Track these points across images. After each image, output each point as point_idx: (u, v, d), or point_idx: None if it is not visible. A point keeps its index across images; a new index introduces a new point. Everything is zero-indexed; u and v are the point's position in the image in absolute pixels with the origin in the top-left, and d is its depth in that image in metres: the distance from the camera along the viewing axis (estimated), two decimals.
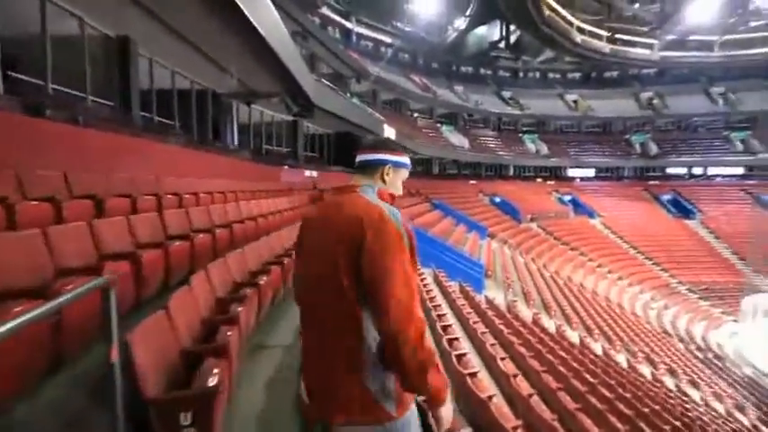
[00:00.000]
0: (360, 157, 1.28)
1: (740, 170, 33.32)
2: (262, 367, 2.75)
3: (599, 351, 9.65)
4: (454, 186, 28.97)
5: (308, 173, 14.53)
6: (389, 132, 20.26)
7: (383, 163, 1.27)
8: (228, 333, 2.11)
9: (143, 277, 2.49)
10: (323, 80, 15.43)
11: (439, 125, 33.62)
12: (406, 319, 1.00)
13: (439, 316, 5.75)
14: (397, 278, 1.02)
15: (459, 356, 4.49)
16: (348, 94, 21.42)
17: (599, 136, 36.94)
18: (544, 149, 35.55)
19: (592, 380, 6.15)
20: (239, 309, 2.55)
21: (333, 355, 1.09)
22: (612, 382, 6.62)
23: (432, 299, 6.68)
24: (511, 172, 35.56)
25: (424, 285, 7.73)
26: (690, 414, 7.22)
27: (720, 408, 9.61)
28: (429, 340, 1.05)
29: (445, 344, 4.61)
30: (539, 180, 34.49)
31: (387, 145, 1.34)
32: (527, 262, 17.76)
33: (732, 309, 19.86)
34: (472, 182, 31.78)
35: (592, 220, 28.61)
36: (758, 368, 14.28)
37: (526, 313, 10.71)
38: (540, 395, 5.00)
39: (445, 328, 5.43)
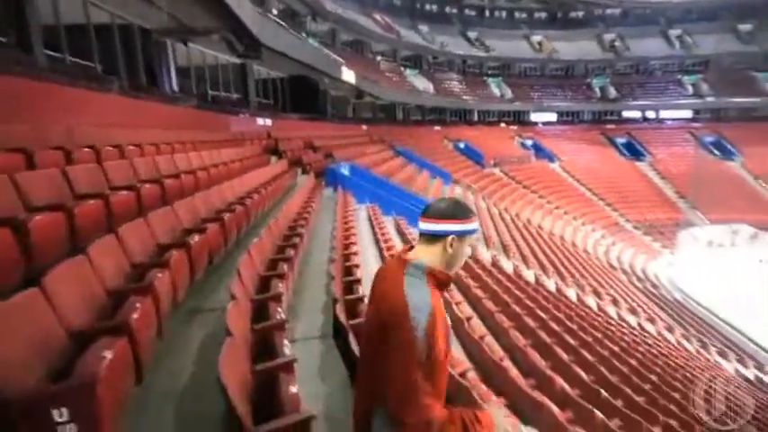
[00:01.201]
0: (423, 226, 1.19)
1: (688, 113, 34.80)
2: (193, 335, 2.54)
3: (552, 288, 10.26)
4: (419, 133, 28.49)
5: (261, 121, 13.58)
6: (349, 75, 19.13)
7: (449, 234, 1.17)
8: (137, 305, 1.85)
9: (33, 246, 2.12)
10: (270, 16, 13.93)
11: (403, 69, 32.19)
12: (399, 401, 1.03)
13: None
14: (398, 372, 1.03)
15: None
16: (304, 34, 19.68)
17: (562, 80, 36.90)
18: (508, 93, 35.26)
19: (543, 316, 6.50)
20: (158, 275, 2.27)
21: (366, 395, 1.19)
22: (561, 316, 7.06)
23: (390, 248, 6.63)
24: (475, 117, 35.28)
25: (383, 234, 7.67)
26: (626, 338, 7.94)
27: (653, 329, 10.70)
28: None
29: None
30: (502, 125, 34.54)
31: (456, 214, 1.19)
32: (489, 206, 18.18)
33: (670, 242, 21.69)
34: (437, 128, 31.34)
35: (552, 164, 29.41)
36: (687, 293, 15.94)
37: (487, 256, 11.08)
38: (493, 335, 5.23)
39: None
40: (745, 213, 23.75)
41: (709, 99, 33.44)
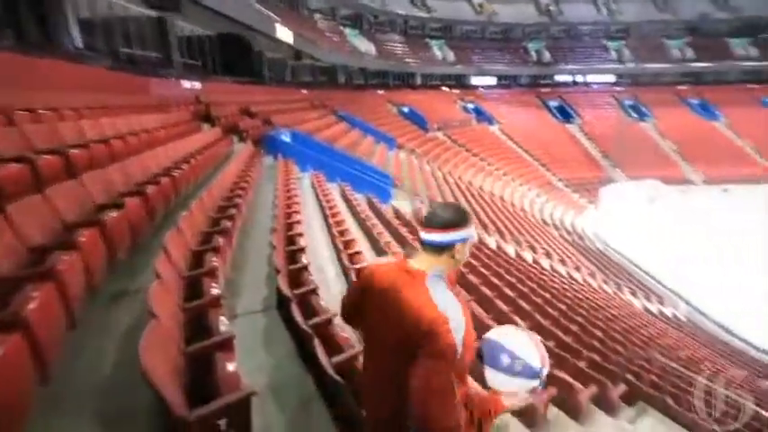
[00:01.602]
0: (430, 237, 1.21)
1: (612, 78, 37.37)
2: (116, 321, 2.31)
3: (493, 245, 10.87)
4: (362, 97, 27.79)
5: (188, 84, 12.34)
6: (284, 34, 17.83)
7: (456, 243, 1.21)
8: (34, 294, 1.60)
9: None
10: None
11: (342, 28, 30.69)
12: (424, 413, 1.09)
13: (341, 232, 5.66)
14: (433, 370, 1.09)
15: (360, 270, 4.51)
16: None
17: (500, 43, 37.53)
18: (451, 57, 35.27)
19: (485, 271, 6.88)
20: (62, 258, 1.99)
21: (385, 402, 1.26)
22: (501, 271, 7.54)
23: (335, 214, 6.52)
24: (419, 81, 35.08)
25: (328, 201, 7.52)
26: (556, 286, 8.74)
27: (579, 277, 11.88)
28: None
29: (345, 259, 4.56)
30: (445, 89, 34.75)
31: (459, 222, 1.21)
32: (433, 170, 18.53)
33: (594, 198, 23.84)
34: (380, 92, 30.78)
35: (491, 126, 30.41)
36: (608, 244, 17.82)
37: None
38: None
39: (348, 243, 5.38)
40: (655, 170, 26.64)
41: (630, 65, 36.08)
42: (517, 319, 5.11)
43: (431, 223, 1.21)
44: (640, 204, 22.87)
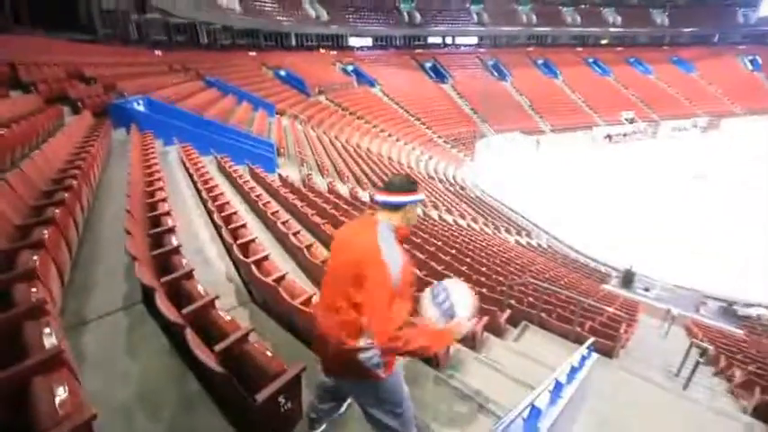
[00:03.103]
0: (381, 198, 1.55)
1: (475, 40, 40.44)
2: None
3: None
4: (231, 59, 24.93)
5: None
6: None
7: (406, 204, 1.54)
8: None
9: None
10: None
11: None
12: (379, 326, 1.43)
13: (219, 207, 5.00)
14: (375, 297, 1.43)
15: (246, 244, 4.04)
16: None
17: (374, 2, 37.07)
18: (324, 15, 33.64)
19: None
20: None
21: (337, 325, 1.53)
22: None
23: (211, 189, 5.74)
24: (293, 42, 32.87)
25: (202, 176, 6.60)
26: (446, 234, 9.41)
27: (464, 223, 13.07)
28: (402, 333, 1.46)
29: (227, 236, 4.03)
30: (322, 50, 33.33)
31: (409, 188, 1.55)
32: (319, 135, 17.92)
33: (470, 151, 26.22)
34: (252, 53, 28.02)
35: (373, 88, 30.51)
36: (484, 190, 19.96)
37: (322, 184, 11.04)
38: None
39: (228, 217, 4.78)
40: (516, 123, 30.36)
41: (490, 27, 39.41)
42: (413, 269, 5.29)
43: (388, 188, 1.56)
44: (507, 153, 26.00)
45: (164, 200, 4.53)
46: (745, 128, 31.98)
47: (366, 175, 14.11)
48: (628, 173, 22.54)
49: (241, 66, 24.62)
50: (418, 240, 7.13)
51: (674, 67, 40.84)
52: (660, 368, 5.26)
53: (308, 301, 3.15)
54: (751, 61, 41.92)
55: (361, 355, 1.48)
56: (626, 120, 32.66)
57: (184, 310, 2.41)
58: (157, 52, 20.15)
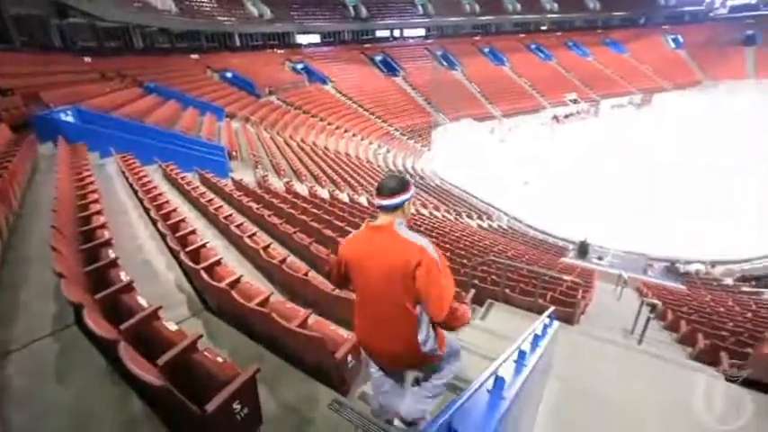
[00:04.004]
0: (386, 202, 1.61)
1: (422, 31, 40.83)
2: None
3: (346, 199, 10.98)
4: (171, 63, 23.62)
5: None
6: None
7: (404, 202, 1.63)
8: None
9: None
10: None
11: None
12: (445, 310, 1.54)
13: (165, 215, 4.68)
14: (441, 287, 1.55)
15: (196, 250, 3.80)
16: None
17: None
18: (267, 13, 32.59)
19: (340, 224, 6.82)
20: None
21: (394, 335, 1.68)
22: (357, 220, 7.62)
23: (155, 198, 5.36)
24: (237, 42, 31.61)
25: (144, 185, 6.16)
26: (409, 224, 9.44)
27: (426, 212, 13.21)
28: (458, 312, 1.62)
29: (174, 244, 3.76)
30: (268, 50, 32.33)
31: (403, 187, 1.63)
32: (273, 136, 17.40)
33: (427, 141, 26.53)
34: (194, 56, 26.67)
35: (325, 85, 30.05)
36: (443, 178, 20.27)
37: (280, 185, 10.72)
38: (296, 254, 5.12)
39: (175, 225, 4.48)
40: (469, 111, 31.06)
41: (436, 18, 39.92)
42: None
43: (383, 192, 1.61)
44: (462, 141, 26.55)
45: (98, 212, 4.17)
46: (675, 101, 34.64)
47: (324, 172, 13.87)
48: (576, 151, 23.74)
49: (183, 70, 23.38)
50: None
51: (607, 48, 43.41)
52: (617, 328, 5.55)
53: (265, 302, 3.00)
54: (674, 40, 45.38)
55: (424, 349, 1.67)
56: (570, 101, 34.36)
57: (123, 326, 2.20)
58: (87, 59, 18.66)
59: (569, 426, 2.91)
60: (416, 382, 1.93)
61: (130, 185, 6.56)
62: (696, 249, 12.39)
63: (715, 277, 11.15)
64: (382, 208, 1.61)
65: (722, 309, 7.13)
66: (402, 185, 1.62)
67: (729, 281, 10.80)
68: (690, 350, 5.02)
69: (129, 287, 2.71)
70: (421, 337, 1.65)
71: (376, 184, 10.62)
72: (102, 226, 3.74)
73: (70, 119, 9.78)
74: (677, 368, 4.01)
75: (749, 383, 3.63)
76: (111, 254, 3.18)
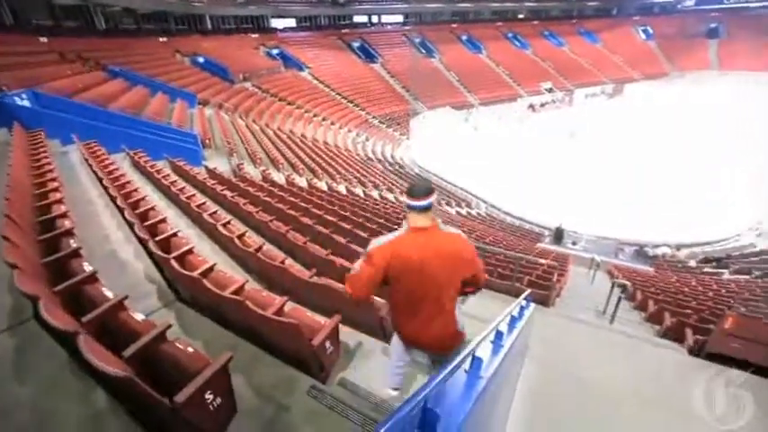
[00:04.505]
0: (424, 203, 1.79)
1: (401, 18, 40.29)
2: None
3: (324, 188, 10.83)
4: (137, 46, 22.47)
5: None
6: None
7: (433, 202, 1.84)
8: None
9: None
10: None
11: None
12: (484, 279, 1.98)
13: (133, 204, 4.46)
14: (481, 268, 1.96)
15: (166, 239, 3.65)
16: None
17: None
18: None
19: (318, 212, 6.72)
20: None
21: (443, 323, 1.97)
22: (335, 208, 7.53)
23: (122, 186, 5.10)
24: (209, 25, 30.34)
25: (110, 173, 5.87)
26: (388, 212, 9.41)
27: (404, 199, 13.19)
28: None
29: (143, 233, 3.59)
30: (242, 34, 31.21)
31: (431, 189, 1.83)
32: (248, 123, 16.92)
33: (405, 129, 26.43)
34: (162, 39, 25.46)
35: (302, 72, 29.36)
36: (422, 166, 20.30)
37: (256, 173, 10.45)
38: (272, 242, 5.00)
39: (144, 214, 4.29)
40: (447, 99, 31.07)
41: (413, 5, 39.43)
42: (356, 247, 5.18)
43: (419, 194, 1.79)
44: (440, 129, 26.60)
45: (59, 201, 3.93)
46: (645, 91, 35.72)
47: (302, 161, 13.62)
48: (551, 139, 24.20)
49: (151, 53, 22.29)
50: (360, 220, 7.02)
51: (581, 38, 44.15)
52: (590, 309, 5.74)
53: (239, 290, 2.92)
54: (644, 31, 46.58)
55: (458, 328, 1.99)
56: (545, 90, 34.88)
57: (85, 318, 2.08)
58: (42, 39, 17.49)
59: (545, 405, 2.99)
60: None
61: (95, 174, 6.23)
62: (665, 234, 12.94)
63: (680, 259, 11.70)
64: (420, 209, 1.80)
65: (686, 288, 7.49)
66: (431, 188, 1.84)
67: (693, 263, 11.36)
68: (657, 328, 5.25)
69: (92, 278, 2.57)
70: (458, 317, 1.98)
71: (354, 171, 10.62)
72: (63, 215, 3.52)
73: (26, 103, 9.16)
74: (645, 344, 4.18)
75: (711, 356, 3.83)
76: (73, 243, 3.01)
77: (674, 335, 4.68)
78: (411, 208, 1.80)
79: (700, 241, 12.84)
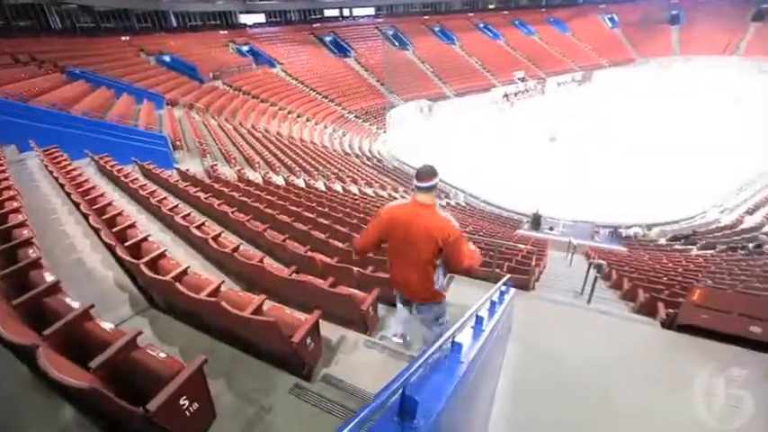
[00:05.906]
0: (426, 184, 2.22)
1: (372, 10, 39.94)
2: None
3: (302, 185, 10.68)
4: (97, 45, 21.53)
5: None
6: None
7: (437, 184, 2.26)
8: None
9: None
10: None
11: None
12: (465, 263, 2.26)
13: (99, 210, 4.27)
14: (463, 250, 2.25)
15: (137, 244, 3.50)
16: None
17: None
18: None
19: (296, 209, 6.61)
20: None
21: (418, 275, 2.38)
22: (313, 204, 7.44)
23: (86, 192, 4.87)
24: (174, 22, 29.30)
25: (73, 180, 5.60)
26: (368, 207, 9.37)
27: (385, 194, 13.19)
28: (475, 257, 2.33)
29: (109, 239, 3.43)
30: (209, 31, 30.29)
31: (434, 172, 2.25)
32: (221, 123, 16.48)
33: (382, 123, 26.35)
34: (124, 38, 24.45)
35: (273, 68, 28.78)
36: (400, 159, 20.30)
37: (232, 173, 10.21)
38: (250, 242, 4.90)
39: (111, 219, 4.11)
40: (422, 90, 31.10)
41: None
42: (336, 242, 5.13)
43: (423, 176, 2.22)
44: (417, 121, 26.63)
45: (16, 210, 3.72)
46: (613, 77, 36.73)
47: (279, 159, 13.38)
48: (525, 128, 24.61)
49: (112, 53, 21.39)
50: (339, 215, 6.96)
51: (551, 27, 44.91)
52: (568, 291, 5.88)
53: (215, 292, 2.83)
54: (610, 19, 47.78)
55: (435, 287, 2.39)
56: (518, 79, 35.36)
57: (47, 331, 1.97)
58: None
59: (527, 382, 3.04)
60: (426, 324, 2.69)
61: (57, 180, 5.93)
62: (635, 215, 13.41)
63: (651, 239, 12.15)
64: (422, 189, 2.21)
65: (658, 266, 7.78)
66: (434, 171, 2.24)
67: (663, 241, 11.82)
68: (632, 304, 5.43)
69: (54, 288, 2.43)
70: (435, 279, 2.36)
71: (332, 167, 10.51)
72: (21, 224, 3.33)
73: None
74: (621, 321, 4.32)
75: (682, 328, 3.99)
76: (33, 254, 2.84)
77: (648, 310, 4.85)
78: (415, 187, 2.23)
79: (669, 220, 13.36)
